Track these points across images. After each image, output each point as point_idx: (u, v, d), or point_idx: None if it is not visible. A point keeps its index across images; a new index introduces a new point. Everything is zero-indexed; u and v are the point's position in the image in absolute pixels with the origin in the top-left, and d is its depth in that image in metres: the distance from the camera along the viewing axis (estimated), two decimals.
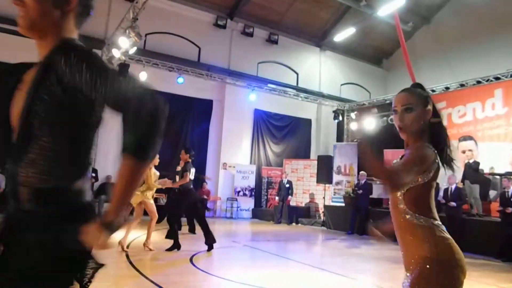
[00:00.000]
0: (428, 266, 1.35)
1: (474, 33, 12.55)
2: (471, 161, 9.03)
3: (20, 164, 1.04)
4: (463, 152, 10.11)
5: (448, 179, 7.96)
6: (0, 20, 9.97)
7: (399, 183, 1.33)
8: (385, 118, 12.35)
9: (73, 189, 1.10)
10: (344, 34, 12.92)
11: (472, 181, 8.56)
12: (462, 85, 10.62)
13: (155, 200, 11.45)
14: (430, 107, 1.52)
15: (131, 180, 1.05)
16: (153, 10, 10.73)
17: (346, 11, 14.00)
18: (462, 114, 10.72)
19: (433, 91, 11.30)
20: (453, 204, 7.71)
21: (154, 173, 5.91)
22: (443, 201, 7.87)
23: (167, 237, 5.93)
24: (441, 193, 8.05)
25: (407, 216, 1.44)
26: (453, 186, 7.93)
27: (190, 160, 6.14)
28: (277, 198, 11.94)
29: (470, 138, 10.39)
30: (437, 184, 8.18)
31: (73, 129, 1.09)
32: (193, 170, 6.26)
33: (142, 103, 1.01)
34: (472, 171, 8.77)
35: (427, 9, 14.14)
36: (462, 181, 8.66)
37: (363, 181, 9.90)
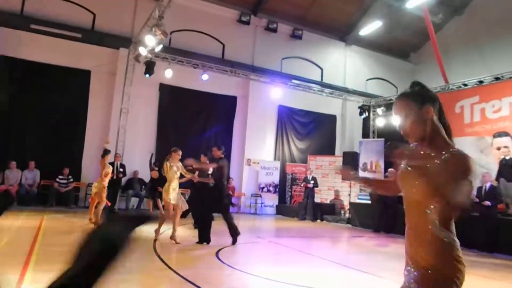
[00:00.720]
0: (433, 279, 1.33)
1: (509, 23, 11.95)
2: (507, 157, 8.64)
3: None
4: (498, 148, 9.68)
5: (482, 177, 7.64)
6: (36, 22, 10.38)
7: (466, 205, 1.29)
8: None
9: None
10: (370, 28, 12.63)
11: (508, 179, 8.20)
12: (497, 78, 10.15)
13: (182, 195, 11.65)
14: (429, 105, 1.42)
15: None
16: (178, 8, 10.86)
17: (372, 4, 13.68)
18: (497, 109, 10.24)
19: (465, 85, 10.88)
20: (487, 203, 7.39)
21: (172, 165, 6.06)
22: (477, 200, 7.56)
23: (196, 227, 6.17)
24: (474, 192, 7.74)
25: (433, 229, 1.35)
26: (488, 184, 7.60)
27: (223, 156, 6.28)
28: (303, 183, 11.80)
29: (506, 134, 9.92)
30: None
31: None
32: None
33: None
34: (508, 168, 8.40)
35: (458, 0, 13.59)
36: (497, 179, 8.29)
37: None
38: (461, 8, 13.95)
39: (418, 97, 1.44)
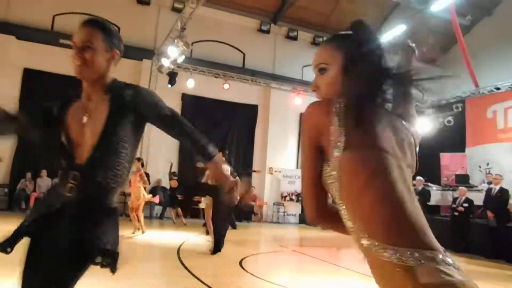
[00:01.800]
0: None
1: None
2: None
3: (99, 170, 1.36)
4: None
5: (493, 179, 7.56)
6: (65, 37, 10.77)
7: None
8: (441, 119, 11.63)
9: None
10: (393, 32, 12.37)
11: None
12: None
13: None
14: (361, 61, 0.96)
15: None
16: (199, 19, 11.02)
17: (395, 8, 13.44)
18: None
19: (497, 88, 10.46)
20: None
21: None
22: None
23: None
24: (511, 201, 7.40)
25: (365, 242, 0.84)
26: (497, 187, 7.49)
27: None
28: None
29: None
30: (507, 191, 7.43)
31: (135, 141, 1.48)
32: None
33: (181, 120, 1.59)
34: None
35: (488, 0, 13.14)
36: None
37: (420, 188, 9.32)
38: (491, 8, 13.44)
39: (348, 43, 1.00)
